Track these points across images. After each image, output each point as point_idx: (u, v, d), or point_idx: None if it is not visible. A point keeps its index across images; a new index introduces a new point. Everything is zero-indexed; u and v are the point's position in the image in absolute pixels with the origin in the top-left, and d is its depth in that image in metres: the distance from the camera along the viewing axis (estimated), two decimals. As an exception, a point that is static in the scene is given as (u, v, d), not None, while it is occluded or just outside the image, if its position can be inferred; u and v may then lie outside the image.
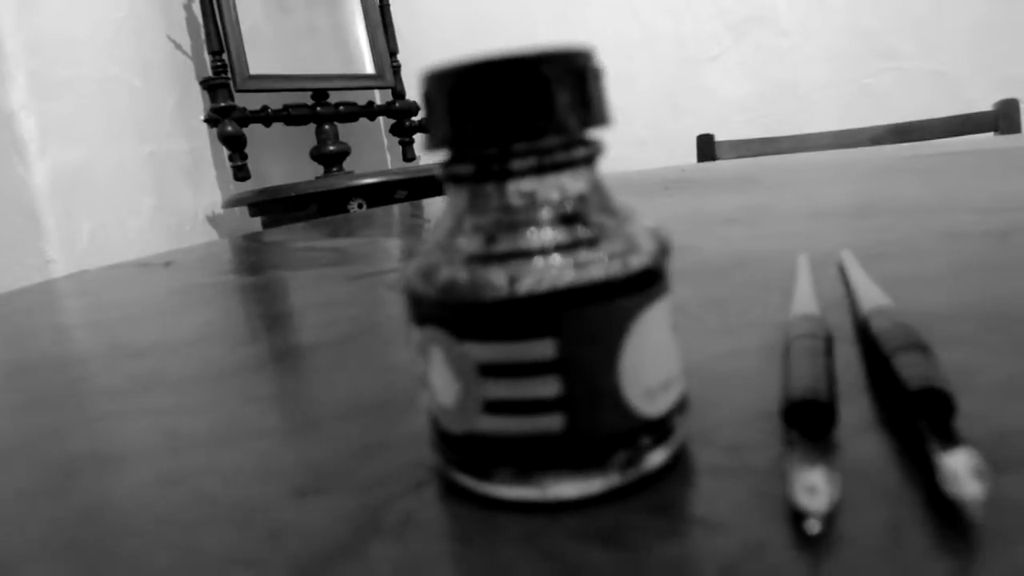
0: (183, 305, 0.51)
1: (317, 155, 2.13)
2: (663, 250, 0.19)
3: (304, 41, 2.11)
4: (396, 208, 1.30)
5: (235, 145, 1.91)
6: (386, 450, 0.22)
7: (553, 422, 0.17)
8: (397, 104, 2.31)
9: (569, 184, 0.18)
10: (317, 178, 2.06)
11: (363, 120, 2.26)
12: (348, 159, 2.18)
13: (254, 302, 0.52)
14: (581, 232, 0.18)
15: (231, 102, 1.91)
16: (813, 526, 0.15)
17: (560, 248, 0.17)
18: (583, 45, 0.18)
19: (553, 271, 0.17)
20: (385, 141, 2.61)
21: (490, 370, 0.17)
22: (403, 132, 2.37)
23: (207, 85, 1.92)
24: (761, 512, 0.17)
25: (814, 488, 0.16)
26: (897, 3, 1.90)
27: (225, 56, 1.91)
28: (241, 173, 1.93)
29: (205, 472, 0.22)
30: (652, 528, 0.16)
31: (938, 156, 0.81)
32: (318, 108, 2.10)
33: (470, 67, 0.17)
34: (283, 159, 2.21)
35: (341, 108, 2.14)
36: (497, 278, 0.17)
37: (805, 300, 0.28)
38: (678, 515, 0.17)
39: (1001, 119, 1.44)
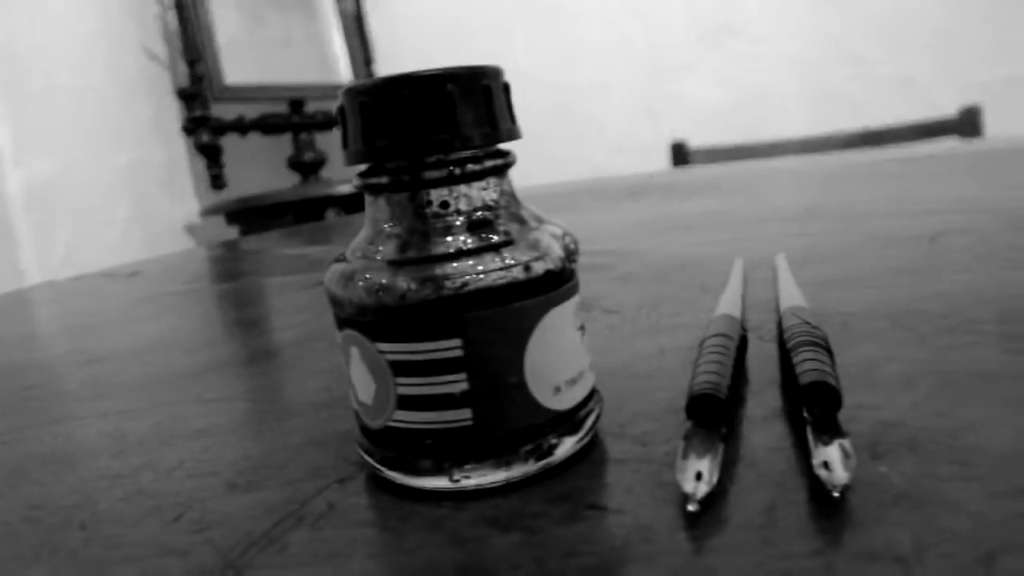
0: (144, 314, 0.52)
1: (294, 164, 2.14)
2: (569, 255, 0.20)
3: (280, 51, 2.11)
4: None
5: (211, 155, 1.92)
6: (318, 447, 0.23)
7: (462, 416, 0.19)
8: (374, 113, 2.31)
9: (478, 194, 0.19)
10: (294, 187, 2.07)
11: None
12: (325, 167, 2.18)
13: (213, 310, 0.53)
14: (489, 239, 0.19)
15: (207, 112, 1.91)
16: (692, 507, 0.16)
17: (468, 254, 0.19)
18: (491, 65, 0.20)
19: (459, 275, 0.18)
20: (363, 149, 2.62)
21: (402, 368, 0.19)
22: (380, 140, 2.37)
23: (183, 95, 1.92)
24: (656, 498, 0.18)
25: (699, 474, 0.17)
26: (864, 11, 1.93)
27: (201, 66, 1.91)
28: (218, 182, 1.93)
29: (145, 469, 0.24)
30: (552, 514, 0.18)
31: (893, 161, 0.83)
32: (295, 117, 2.10)
33: (380, 84, 0.18)
34: (260, 168, 2.21)
35: (318, 117, 2.15)
36: (407, 282, 0.18)
37: (729, 302, 0.29)
38: (578, 502, 0.18)
39: (964, 124, 1.47)
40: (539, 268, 0.19)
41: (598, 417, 0.21)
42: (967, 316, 0.27)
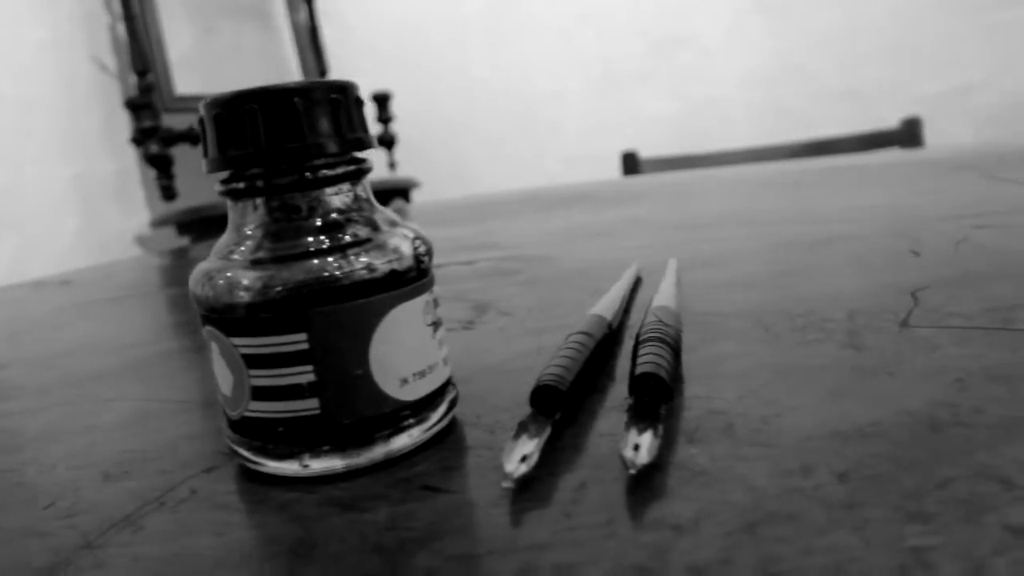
0: (65, 321, 0.53)
1: (247, 174, 2.14)
2: (418, 256, 0.22)
3: (232, 61, 2.11)
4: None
5: (161, 165, 1.91)
6: (195, 441, 0.25)
7: (310, 406, 0.20)
8: (329, 123, 2.31)
9: (331, 199, 0.21)
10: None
11: (295, 139, 2.26)
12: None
13: (136, 317, 0.54)
14: (338, 240, 0.20)
15: (157, 123, 1.90)
16: (507, 484, 0.18)
17: (317, 254, 0.20)
18: (345, 80, 0.21)
19: (305, 274, 0.20)
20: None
21: (254, 361, 0.20)
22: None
23: (131, 106, 1.91)
24: (487, 480, 0.19)
25: (525, 457, 0.19)
26: (812, 26, 1.98)
27: (151, 77, 1.90)
28: (168, 193, 1.92)
29: (30, 464, 0.25)
30: (389, 495, 0.19)
31: (820, 171, 0.85)
32: (248, 127, 2.10)
33: (233, 98, 0.20)
34: (212, 178, 2.20)
35: (271, 127, 2.15)
36: (258, 281, 0.20)
37: (605, 303, 0.31)
38: (416, 484, 0.20)
39: (906, 135, 1.52)
40: (384, 268, 0.20)
41: (450, 408, 0.23)
42: (821, 316, 0.29)
